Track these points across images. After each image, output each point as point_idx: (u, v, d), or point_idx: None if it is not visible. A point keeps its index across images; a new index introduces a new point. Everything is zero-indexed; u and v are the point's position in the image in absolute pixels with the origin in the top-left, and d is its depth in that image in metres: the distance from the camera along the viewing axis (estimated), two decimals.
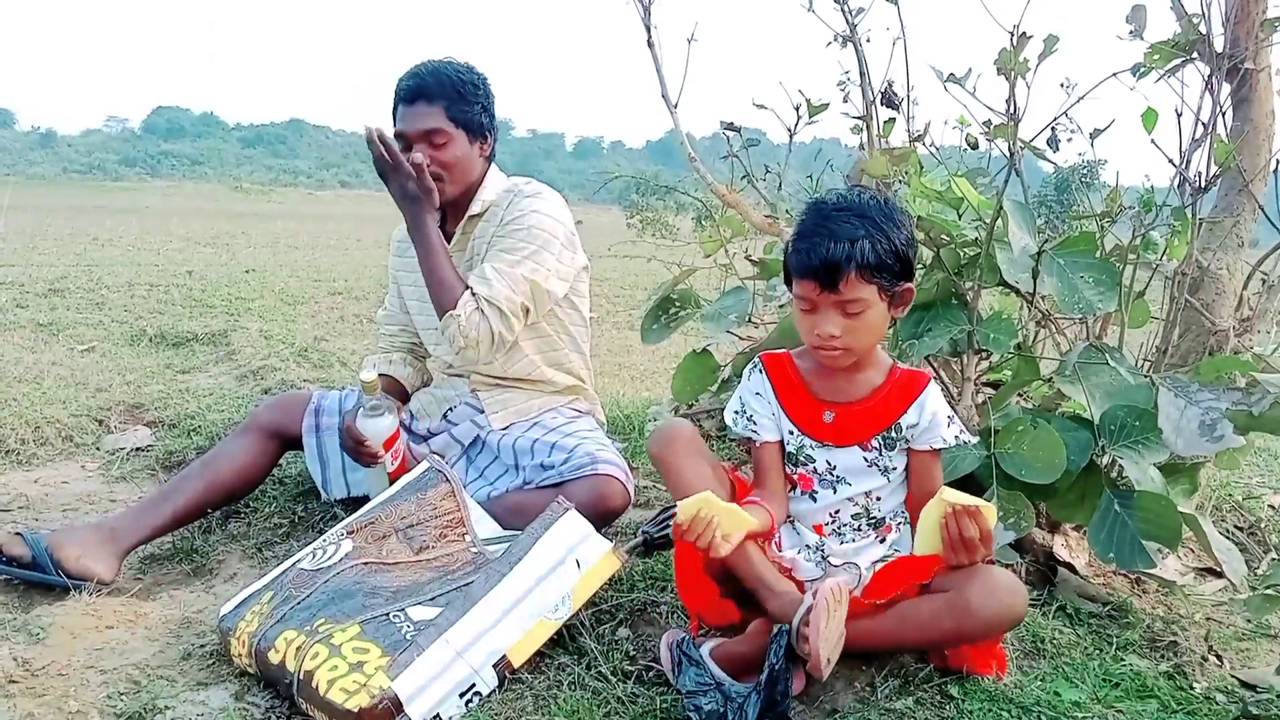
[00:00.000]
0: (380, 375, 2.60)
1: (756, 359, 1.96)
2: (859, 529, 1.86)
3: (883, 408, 1.82)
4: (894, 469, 1.84)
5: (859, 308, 1.68)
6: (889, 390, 1.83)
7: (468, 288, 2.32)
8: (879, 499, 1.86)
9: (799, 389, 1.88)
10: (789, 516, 1.92)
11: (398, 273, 2.67)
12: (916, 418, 1.80)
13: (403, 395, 2.66)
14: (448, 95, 2.36)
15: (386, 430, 2.31)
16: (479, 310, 2.31)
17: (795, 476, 1.89)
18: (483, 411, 2.52)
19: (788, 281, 1.78)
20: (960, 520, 1.63)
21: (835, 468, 1.85)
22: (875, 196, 1.73)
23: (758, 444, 1.92)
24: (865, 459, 1.83)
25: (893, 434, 1.82)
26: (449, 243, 2.49)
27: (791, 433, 1.87)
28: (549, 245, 2.39)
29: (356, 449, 2.31)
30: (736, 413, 1.94)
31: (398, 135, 2.36)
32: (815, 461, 1.86)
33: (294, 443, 2.54)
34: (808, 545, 1.87)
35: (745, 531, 1.68)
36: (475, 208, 2.46)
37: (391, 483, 2.31)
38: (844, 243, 1.65)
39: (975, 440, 1.99)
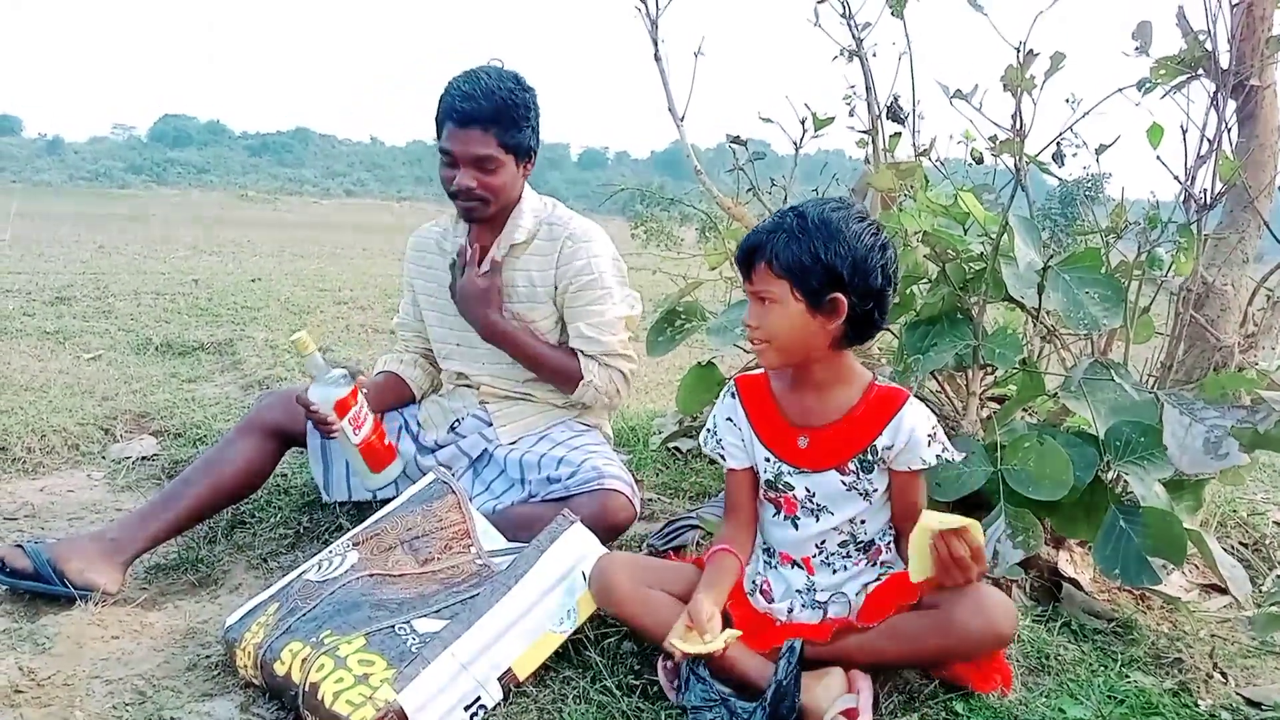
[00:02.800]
0: (388, 373, 2.62)
1: (731, 381, 1.95)
2: (848, 555, 1.85)
3: (856, 430, 1.79)
4: (875, 490, 1.82)
5: (768, 299, 1.70)
6: (863, 411, 1.79)
7: (578, 352, 2.45)
8: (863, 522, 1.84)
9: (772, 414, 1.86)
10: (773, 551, 1.91)
11: (414, 280, 2.65)
12: (892, 439, 1.76)
13: (409, 397, 2.65)
14: (502, 122, 2.31)
15: (335, 395, 2.22)
16: (604, 367, 2.45)
17: (780, 500, 1.87)
18: (491, 424, 2.52)
19: None
20: (949, 542, 1.60)
21: (815, 494, 1.83)
22: (838, 209, 1.70)
23: (726, 469, 1.93)
24: (844, 483, 1.81)
25: (869, 456, 1.79)
26: (482, 260, 2.47)
27: (768, 459, 1.85)
28: (618, 280, 2.51)
29: (311, 419, 2.26)
30: (709, 432, 1.95)
31: (445, 152, 2.34)
32: (794, 488, 1.84)
33: (296, 440, 2.51)
34: (798, 590, 1.85)
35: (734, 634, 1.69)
36: (519, 235, 2.45)
37: (366, 458, 2.29)
38: (762, 234, 1.71)
39: (960, 458, 1.93)
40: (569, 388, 2.47)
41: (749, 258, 1.71)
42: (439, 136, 2.37)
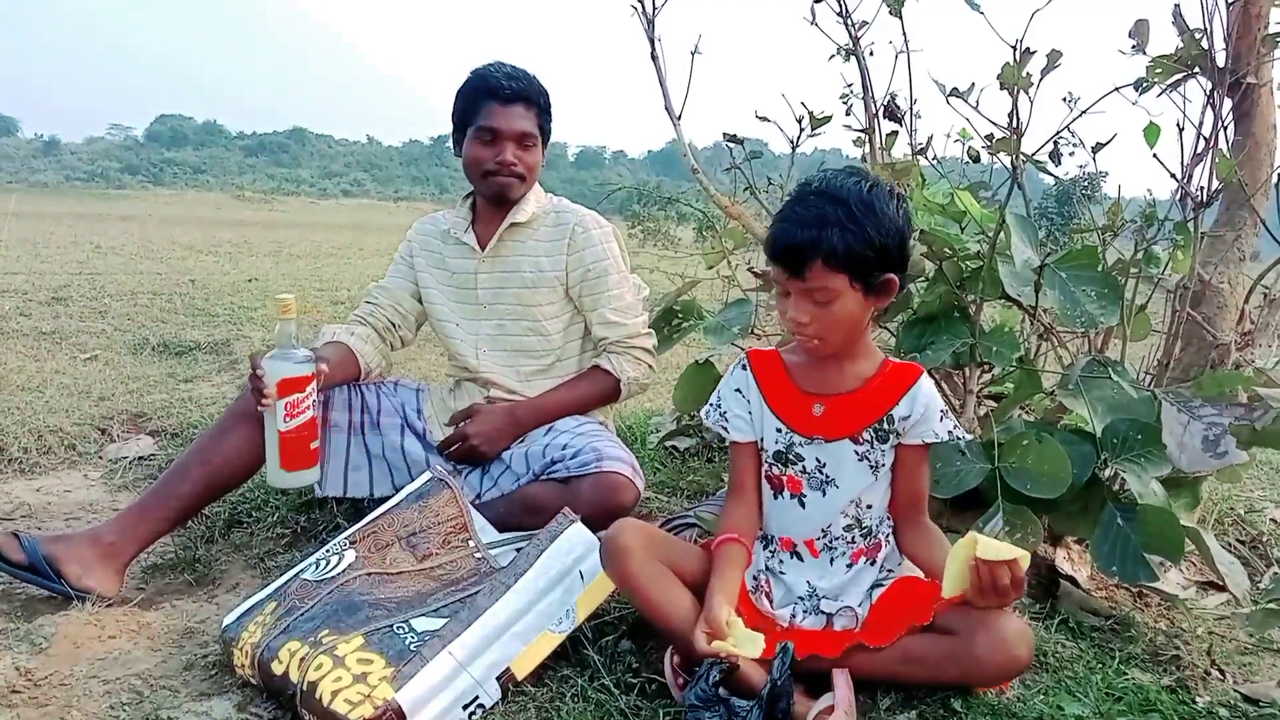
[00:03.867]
0: (337, 344, 2.49)
1: (743, 355, 1.94)
2: (852, 541, 1.85)
3: (874, 399, 1.80)
4: (884, 465, 1.83)
5: (826, 296, 1.67)
6: (881, 381, 1.81)
7: (598, 358, 2.56)
8: (869, 506, 1.84)
9: (786, 384, 1.86)
10: (772, 539, 1.90)
11: (416, 258, 2.64)
12: (909, 409, 1.79)
13: (355, 373, 2.51)
14: (539, 103, 2.46)
15: (286, 370, 2.07)
16: (626, 355, 2.55)
17: (783, 479, 1.87)
18: None
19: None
20: (995, 570, 1.56)
21: (825, 465, 1.83)
22: (862, 181, 1.68)
23: (729, 442, 1.92)
24: (856, 453, 1.81)
25: (884, 426, 1.80)
26: (484, 250, 2.51)
27: (780, 430, 1.85)
28: (625, 262, 2.60)
29: (252, 383, 2.15)
30: (712, 405, 1.94)
31: (487, 130, 2.41)
32: (804, 460, 1.84)
33: None
34: (800, 597, 1.84)
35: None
36: (520, 216, 2.50)
37: (283, 450, 2.11)
38: (810, 229, 1.63)
39: (970, 438, 1.96)
40: (614, 398, 2.58)
41: (800, 257, 1.65)
42: (472, 120, 2.43)
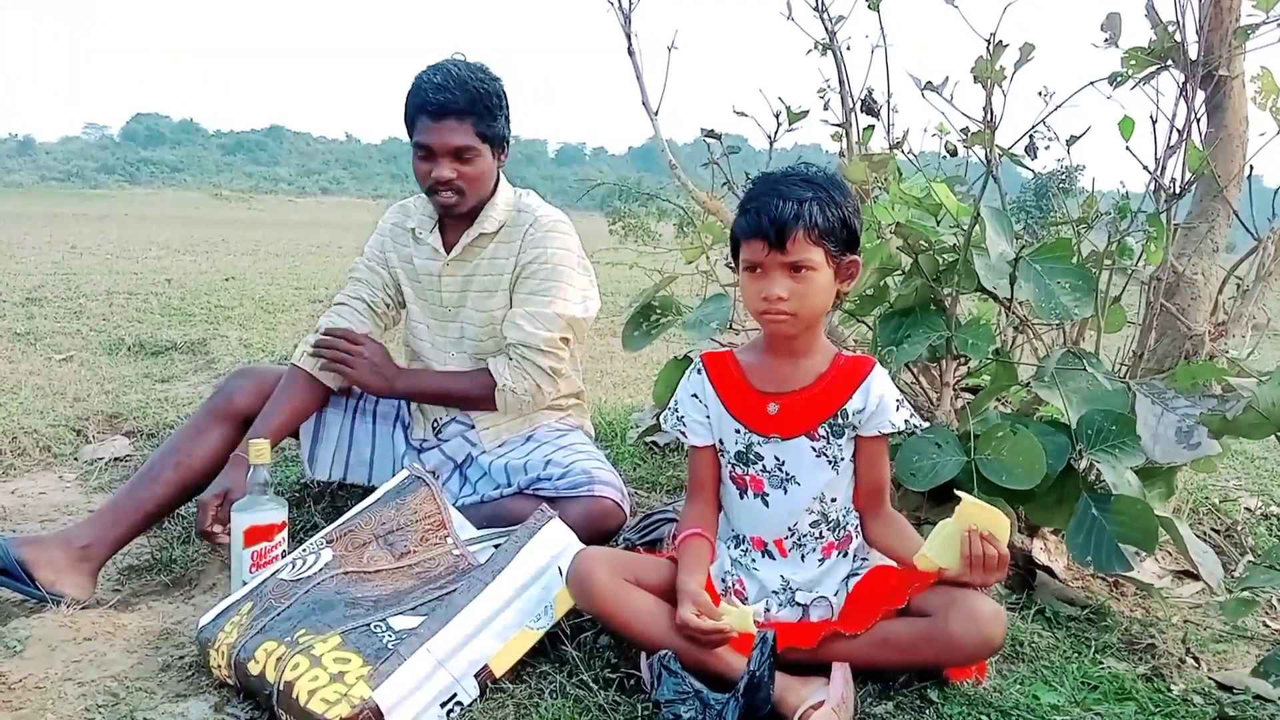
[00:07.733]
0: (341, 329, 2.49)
1: (698, 359, 1.95)
2: (820, 536, 1.85)
3: (827, 394, 1.82)
4: (843, 459, 1.83)
5: (804, 268, 1.70)
6: (833, 376, 1.82)
7: (496, 361, 2.40)
8: (833, 500, 1.85)
9: (741, 385, 1.87)
10: (743, 539, 1.90)
11: (389, 253, 2.58)
12: (863, 402, 1.80)
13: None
14: (477, 111, 2.30)
15: (255, 519, 2.02)
16: (516, 364, 2.38)
17: (746, 479, 1.87)
18: (473, 427, 2.50)
19: (735, 252, 1.79)
20: (985, 545, 1.61)
21: (784, 463, 1.83)
22: (821, 169, 1.76)
23: (689, 448, 1.94)
24: (813, 449, 1.82)
25: (839, 420, 1.81)
26: (449, 254, 2.44)
27: (738, 431, 1.86)
28: (572, 276, 2.43)
29: (201, 511, 2.15)
30: (671, 410, 1.95)
31: (420, 146, 2.32)
32: (764, 459, 1.85)
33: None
34: (773, 591, 1.85)
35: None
36: (488, 225, 2.42)
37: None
38: (792, 203, 1.68)
39: (926, 425, 1.98)
40: (489, 404, 2.42)
41: (784, 228, 1.67)
42: (411, 133, 2.34)
